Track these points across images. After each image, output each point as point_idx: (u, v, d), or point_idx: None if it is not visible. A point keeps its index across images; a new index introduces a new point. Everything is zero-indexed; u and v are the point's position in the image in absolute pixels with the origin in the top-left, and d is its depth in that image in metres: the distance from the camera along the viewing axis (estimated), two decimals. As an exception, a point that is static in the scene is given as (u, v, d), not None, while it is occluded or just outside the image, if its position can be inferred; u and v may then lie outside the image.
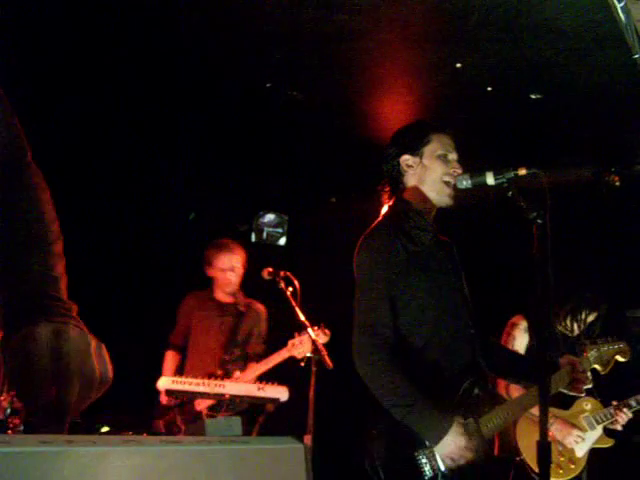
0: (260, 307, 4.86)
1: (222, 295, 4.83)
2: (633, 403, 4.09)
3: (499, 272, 5.43)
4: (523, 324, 4.17)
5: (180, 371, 4.62)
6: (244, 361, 4.68)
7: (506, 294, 4.86)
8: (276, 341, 4.78)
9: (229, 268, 4.76)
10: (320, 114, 5.00)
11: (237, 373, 4.49)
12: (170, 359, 4.79)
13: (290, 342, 4.36)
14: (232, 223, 6.46)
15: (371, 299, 2.67)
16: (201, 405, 4.31)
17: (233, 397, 3.79)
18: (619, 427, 4.09)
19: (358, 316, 2.70)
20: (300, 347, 4.28)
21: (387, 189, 2.93)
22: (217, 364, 4.54)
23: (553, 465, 3.90)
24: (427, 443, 2.52)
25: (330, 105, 4.88)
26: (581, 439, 3.99)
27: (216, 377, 3.99)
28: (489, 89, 4.50)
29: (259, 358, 4.67)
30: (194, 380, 3.77)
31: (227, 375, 4.42)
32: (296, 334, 4.32)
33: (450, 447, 2.47)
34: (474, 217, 4.90)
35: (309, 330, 4.08)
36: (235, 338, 4.68)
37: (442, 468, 2.50)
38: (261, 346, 4.79)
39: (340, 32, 3.92)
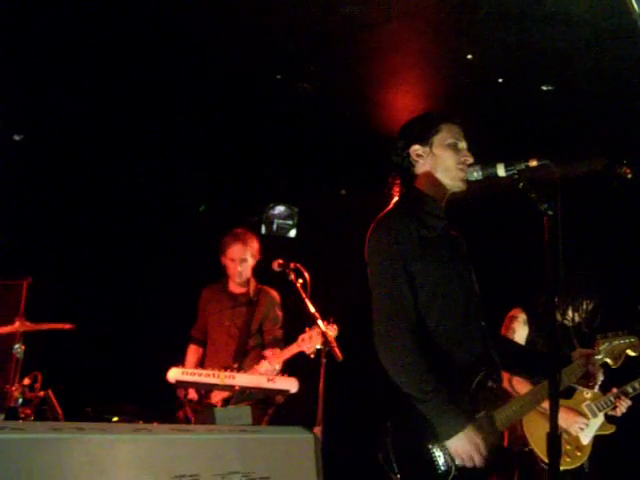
0: (273, 292, 4.83)
1: (234, 285, 4.82)
2: (630, 390, 4.16)
3: (495, 265, 5.42)
4: (522, 316, 4.19)
5: (202, 364, 4.63)
6: (262, 349, 4.64)
7: (502, 287, 4.86)
8: (287, 333, 4.78)
9: (240, 259, 4.74)
10: (330, 106, 4.99)
11: (269, 352, 4.46)
12: (192, 352, 4.79)
13: (300, 337, 4.34)
14: (242, 215, 6.47)
15: (389, 281, 2.63)
16: (217, 397, 4.31)
17: (243, 388, 3.78)
18: (619, 414, 4.16)
19: (378, 301, 2.65)
20: (309, 342, 4.26)
21: (397, 181, 2.91)
22: (233, 357, 4.53)
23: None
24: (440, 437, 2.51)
25: (340, 97, 4.87)
26: (586, 426, 4.03)
27: (227, 368, 4.00)
28: (500, 80, 4.48)
29: (280, 343, 4.63)
30: (204, 371, 3.77)
31: (241, 367, 4.40)
32: (307, 329, 4.29)
33: (459, 446, 2.46)
34: (477, 207, 4.89)
35: (319, 322, 4.08)
36: (249, 328, 4.67)
37: (456, 462, 2.50)
38: (279, 330, 4.75)
39: (350, 24, 3.91)
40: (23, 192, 5.42)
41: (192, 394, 4.39)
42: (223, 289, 4.86)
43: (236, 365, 4.40)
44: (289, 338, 4.57)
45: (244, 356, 4.57)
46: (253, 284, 4.82)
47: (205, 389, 4.24)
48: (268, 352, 4.47)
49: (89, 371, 5.44)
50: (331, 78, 4.62)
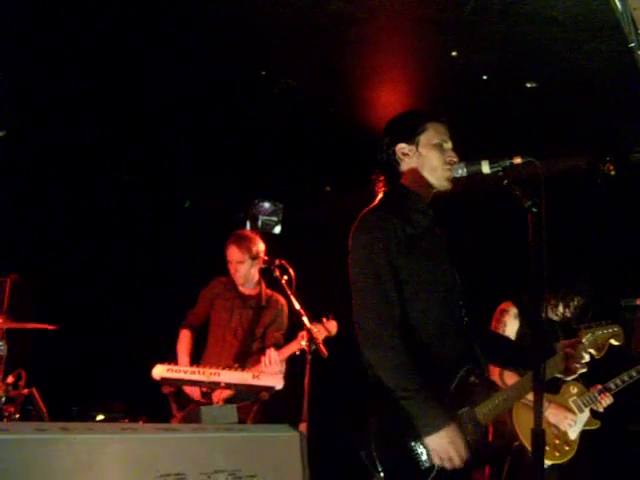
0: (281, 299, 4.76)
1: (242, 287, 4.79)
2: (612, 386, 4.24)
3: (485, 259, 5.45)
4: (513, 310, 4.22)
5: (197, 355, 4.58)
6: (263, 353, 4.55)
7: (493, 281, 4.88)
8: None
9: (235, 261, 4.67)
10: (315, 102, 4.98)
11: (269, 351, 4.44)
12: (185, 339, 4.68)
13: (300, 334, 4.31)
14: (227, 211, 6.46)
15: (374, 276, 2.62)
16: (220, 396, 4.27)
17: (228, 385, 3.77)
18: (601, 409, 4.24)
19: (361, 296, 2.64)
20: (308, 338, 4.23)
21: (382, 178, 2.91)
22: (234, 358, 4.50)
23: (550, 448, 4.01)
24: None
25: (325, 93, 4.86)
26: (574, 422, 4.09)
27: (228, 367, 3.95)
28: (485, 77, 4.49)
29: (279, 346, 4.57)
30: (189, 368, 3.75)
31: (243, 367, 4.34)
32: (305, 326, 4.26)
33: (437, 444, 2.47)
34: (462, 204, 4.90)
35: (304, 318, 4.08)
36: (254, 332, 4.62)
37: (435, 461, 2.51)
38: (280, 335, 4.70)
39: (335, 20, 3.90)
40: (7, 189, 5.38)
41: (196, 394, 4.35)
42: (234, 288, 4.79)
43: (237, 365, 4.35)
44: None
45: (246, 357, 4.52)
46: (263, 288, 4.76)
47: (191, 386, 4.22)
48: (268, 351, 4.44)
49: (74, 368, 5.42)
50: (316, 74, 4.61)
